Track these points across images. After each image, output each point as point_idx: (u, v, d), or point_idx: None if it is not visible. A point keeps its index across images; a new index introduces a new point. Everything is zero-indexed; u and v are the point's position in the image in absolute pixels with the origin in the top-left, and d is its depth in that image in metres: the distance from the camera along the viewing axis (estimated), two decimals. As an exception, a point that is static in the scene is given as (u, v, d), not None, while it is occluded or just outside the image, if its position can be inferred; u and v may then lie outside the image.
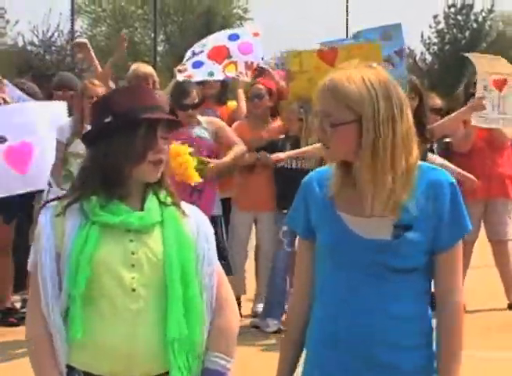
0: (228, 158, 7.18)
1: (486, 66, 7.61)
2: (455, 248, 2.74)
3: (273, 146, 7.28)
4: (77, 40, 8.38)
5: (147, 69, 8.11)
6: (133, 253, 2.72)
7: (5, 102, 8.06)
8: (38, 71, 33.18)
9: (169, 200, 2.84)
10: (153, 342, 2.69)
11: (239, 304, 7.71)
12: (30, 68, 34.49)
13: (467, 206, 7.93)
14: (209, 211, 6.66)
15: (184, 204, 2.91)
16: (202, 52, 8.26)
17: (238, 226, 7.56)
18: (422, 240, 2.66)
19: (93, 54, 7.93)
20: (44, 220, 2.75)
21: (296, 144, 7.32)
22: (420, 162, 2.70)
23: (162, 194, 2.84)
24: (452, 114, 7.31)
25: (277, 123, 7.71)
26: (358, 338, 2.63)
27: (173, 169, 6.51)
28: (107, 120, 2.75)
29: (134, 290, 2.70)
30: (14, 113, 7.61)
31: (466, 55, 8.04)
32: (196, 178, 6.93)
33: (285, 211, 6.96)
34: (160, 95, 2.96)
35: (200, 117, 7.28)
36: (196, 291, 2.78)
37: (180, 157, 6.70)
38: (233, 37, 8.44)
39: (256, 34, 8.59)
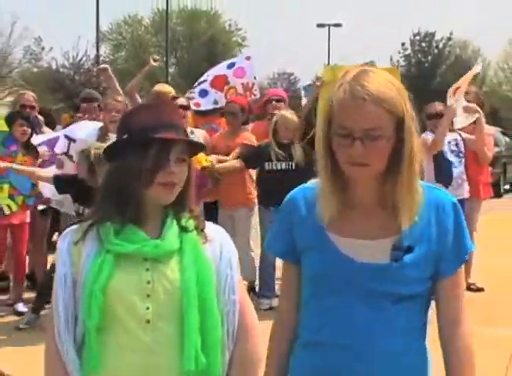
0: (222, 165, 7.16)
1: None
2: (458, 273, 2.07)
3: (260, 150, 7.21)
4: (101, 66, 8.29)
5: (165, 88, 8.06)
6: (149, 282, 2.19)
7: (37, 118, 7.95)
8: (69, 90, 33.25)
9: (191, 224, 2.27)
10: (168, 375, 2.21)
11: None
12: (62, 87, 34.55)
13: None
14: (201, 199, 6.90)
15: (209, 227, 2.34)
16: (205, 80, 8.34)
17: (221, 222, 7.48)
18: (423, 264, 2.00)
19: (113, 76, 7.88)
20: (62, 246, 2.26)
21: (280, 148, 7.16)
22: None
23: (184, 218, 2.27)
24: (440, 127, 7.33)
25: (246, 133, 7.67)
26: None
27: None
28: (124, 137, 2.24)
29: (148, 321, 2.18)
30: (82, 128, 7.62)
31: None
32: (204, 162, 6.87)
33: (272, 207, 6.86)
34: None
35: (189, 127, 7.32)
36: (215, 320, 2.22)
37: None
38: (230, 66, 8.44)
39: (248, 58, 8.59)
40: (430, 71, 47.81)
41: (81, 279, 2.20)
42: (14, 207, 6.75)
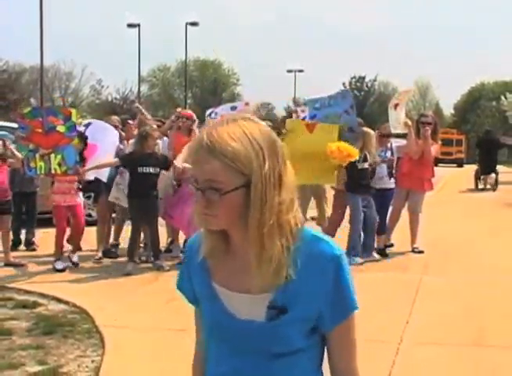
0: None
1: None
2: (342, 326, 1.30)
3: None
4: (135, 106, 8.01)
5: (186, 111, 7.84)
6: None
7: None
8: (119, 115, 32.96)
9: None
10: None
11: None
12: (114, 113, 34.15)
13: (397, 191, 7.24)
14: None
15: None
16: (216, 118, 8.17)
17: None
18: (299, 323, 1.29)
19: (140, 107, 7.66)
20: None
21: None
22: (302, 229, 1.28)
23: None
24: (410, 139, 7.18)
25: None
26: None
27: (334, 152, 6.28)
28: None
29: None
30: (100, 128, 7.23)
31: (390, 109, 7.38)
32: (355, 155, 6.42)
33: None
34: None
35: None
36: None
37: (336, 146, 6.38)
38: (233, 108, 8.27)
39: (247, 104, 8.46)
40: (362, 103, 48.08)
41: None
42: (58, 170, 6.47)
